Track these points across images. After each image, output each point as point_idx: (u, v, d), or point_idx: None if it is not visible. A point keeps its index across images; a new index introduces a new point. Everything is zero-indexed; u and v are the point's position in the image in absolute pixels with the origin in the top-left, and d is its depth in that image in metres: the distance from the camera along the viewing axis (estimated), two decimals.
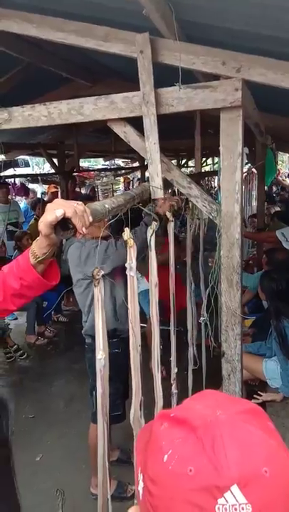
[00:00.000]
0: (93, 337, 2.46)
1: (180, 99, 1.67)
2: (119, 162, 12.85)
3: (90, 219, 1.00)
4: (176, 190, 2.06)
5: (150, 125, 1.71)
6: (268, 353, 2.91)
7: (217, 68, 1.60)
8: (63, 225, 1.01)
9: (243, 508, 0.39)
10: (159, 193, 1.78)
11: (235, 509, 0.39)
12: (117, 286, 2.33)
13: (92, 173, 11.82)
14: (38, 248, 1.01)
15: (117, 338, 2.27)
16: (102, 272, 1.31)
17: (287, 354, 2.69)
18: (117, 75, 3.20)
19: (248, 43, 1.70)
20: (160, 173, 1.76)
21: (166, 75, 1.64)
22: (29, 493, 2.42)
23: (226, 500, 0.39)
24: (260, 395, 2.74)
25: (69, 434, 3.09)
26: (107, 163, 11.88)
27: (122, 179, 11.38)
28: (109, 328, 2.31)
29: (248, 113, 1.96)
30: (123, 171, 10.53)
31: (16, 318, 5.30)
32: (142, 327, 2.46)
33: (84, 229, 0.98)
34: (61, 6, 1.82)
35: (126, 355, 2.11)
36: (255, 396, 2.76)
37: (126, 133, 1.83)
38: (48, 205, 1.00)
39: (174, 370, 2.26)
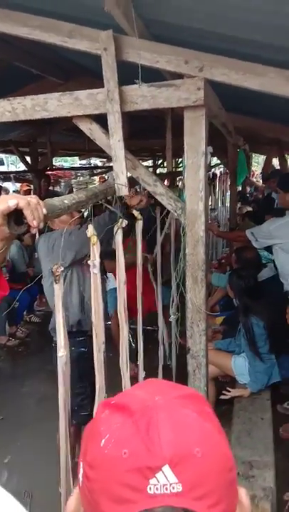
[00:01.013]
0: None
1: (144, 97, 1.68)
2: (97, 161, 12.80)
3: (44, 212, 1.00)
4: (141, 188, 2.06)
5: (114, 122, 1.71)
6: (237, 350, 2.96)
7: (180, 67, 1.62)
8: (17, 219, 1.00)
9: (173, 488, 0.39)
10: (123, 191, 1.78)
11: (166, 488, 0.39)
12: (87, 280, 2.32)
13: (68, 172, 11.72)
14: None
15: (84, 337, 2.26)
16: (62, 269, 1.31)
17: (254, 350, 2.74)
18: (89, 73, 3.19)
19: (212, 42, 1.73)
20: (125, 170, 1.76)
21: (135, 73, 1.65)
22: None
23: (158, 481, 0.40)
24: (229, 391, 2.79)
25: (40, 435, 3.05)
26: (84, 162, 11.82)
27: (97, 178, 11.33)
28: (74, 320, 2.31)
29: (212, 112, 1.98)
30: (99, 170, 10.48)
31: None
32: (106, 325, 2.47)
33: (35, 222, 0.97)
34: (27, 1, 1.81)
35: (93, 356, 2.12)
36: (223, 392, 2.80)
37: (91, 130, 1.83)
38: (1, 197, 0.99)
39: (142, 371, 2.26)
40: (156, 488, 0.39)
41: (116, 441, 0.42)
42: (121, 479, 0.40)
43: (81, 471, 0.45)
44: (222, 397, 2.80)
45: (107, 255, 2.22)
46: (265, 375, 2.75)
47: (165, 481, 0.40)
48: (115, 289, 3.23)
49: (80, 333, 2.28)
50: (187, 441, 0.41)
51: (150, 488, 0.40)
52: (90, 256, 1.60)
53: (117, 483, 0.40)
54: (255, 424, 2.49)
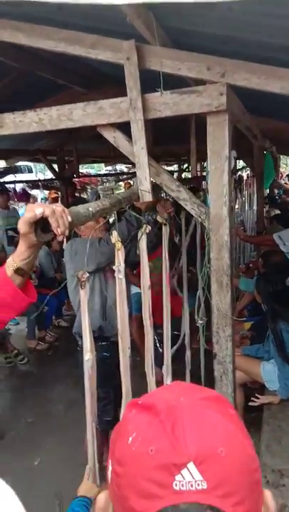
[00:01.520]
0: (81, 336, 2.49)
1: (166, 104, 1.70)
2: (122, 167, 12.93)
3: (69, 219, 1.02)
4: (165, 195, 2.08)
5: (138, 130, 1.73)
6: (266, 356, 2.91)
7: (202, 73, 1.62)
8: (43, 227, 1.03)
9: (198, 485, 0.41)
10: (147, 197, 1.80)
11: (191, 485, 0.41)
12: (110, 286, 2.35)
13: (94, 178, 11.90)
14: (16, 255, 1.03)
15: (107, 342, 2.28)
16: (87, 275, 1.33)
17: (284, 356, 2.68)
18: (112, 82, 3.24)
19: (233, 48, 1.72)
20: (148, 176, 1.78)
21: (159, 80, 1.67)
22: (27, 498, 2.42)
23: (183, 477, 0.41)
24: (258, 398, 2.74)
25: (68, 439, 3.09)
26: (109, 168, 11.97)
27: (123, 184, 11.43)
28: (95, 326, 2.33)
29: (236, 117, 1.97)
30: (124, 176, 10.57)
31: (18, 323, 5.33)
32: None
33: (60, 230, 0.99)
34: (51, 14, 1.86)
35: (116, 361, 2.14)
36: (252, 399, 2.75)
37: (115, 138, 1.86)
38: (28, 205, 1.03)
39: (169, 376, 2.26)
40: (182, 485, 0.41)
41: (143, 439, 0.44)
42: (148, 475, 0.42)
43: (110, 468, 0.47)
44: (251, 403, 2.76)
45: (129, 265, 2.24)
46: None
47: (190, 478, 0.41)
48: (139, 293, 3.26)
49: (101, 339, 2.30)
50: (211, 441, 0.43)
51: (176, 485, 0.41)
52: (114, 262, 1.63)
53: (144, 478, 0.42)
54: (286, 431, 2.44)
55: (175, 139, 5.59)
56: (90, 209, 1.29)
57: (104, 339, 2.26)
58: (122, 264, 1.64)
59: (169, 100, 1.68)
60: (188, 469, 0.41)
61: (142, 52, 1.67)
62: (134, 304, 3.24)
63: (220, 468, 0.42)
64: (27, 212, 0.99)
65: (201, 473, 0.41)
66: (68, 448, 3.00)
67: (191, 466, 0.41)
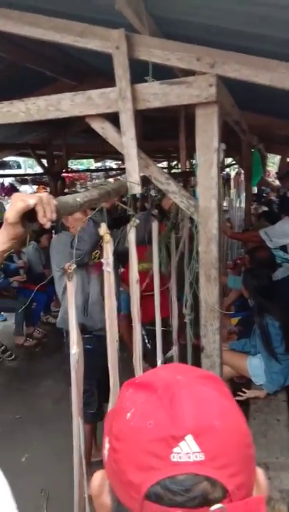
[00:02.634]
0: (66, 330, 2.49)
1: (156, 94, 1.68)
2: (112, 164, 12.86)
3: (53, 209, 1.01)
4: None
5: (127, 120, 1.72)
6: (253, 351, 2.93)
7: (192, 64, 1.61)
8: (29, 216, 1.01)
9: (196, 456, 0.41)
10: (136, 189, 1.78)
11: (189, 457, 0.41)
12: (93, 281, 2.34)
13: (83, 174, 11.82)
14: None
15: (90, 334, 2.27)
16: (74, 266, 1.32)
17: (270, 351, 2.70)
18: (102, 75, 3.21)
19: (223, 38, 1.72)
20: (137, 168, 1.77)
21: (148, 71, 1.65)
22: (15, 494, 2.40)
23: (181, 449, 0.42)
24: (245, 392, 2.75)
25: (56, 435, 3.07)
26: (99, 164, 11.90)
27: (112, 180, 11.40)
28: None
29: (225, 110, 1.97)
30: (114, 172, 10.53)
31: (5, 320, 5.28)
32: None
33: (46, 219, 0.98)
34: (39, 3, 1.83)
35: (100, 353, 2.12)
36: (239, 393, 2.77)
37: (104, 129, 1.84)
38: (15, 195, 1.01)
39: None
40: (180, 457, 0.41)
41: (141, 414, 0.45)
42: (146, 448, 0.42)
43: (107, 446, 0.48)
44: (237, 398, 2.77)
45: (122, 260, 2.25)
46: (281, 376, 2.71)
47: (188, 449, 0.42)
48: (127, 291, 3.26)
49: (84, 332, 2.30)
50: (208, 415, 0.44)
51: (174, 456, 0.41)
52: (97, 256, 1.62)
53: (143, 451, 0.43)
54: (271, 425, 2.46)
55: (164, 135, 5.59)
56: (78, 199, 1.27)
57: (87, 332, 2.25)
58: (111, 257, 1.63)
59: (159, 91, 1.67)
60: (186, 441, 0.42)
61: (131, 41, 1.65)
62: (123, 302, 3.23)
63: (217, 440, 0.43)
64: (18, 202, 0.97)
65: (199, 445, 0.42)
66: (56, 442, 2.98)
67: (188, 438, 0.42)
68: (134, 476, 0.42)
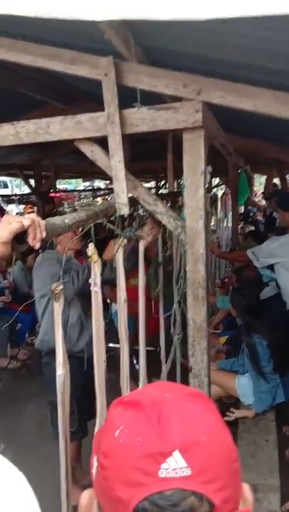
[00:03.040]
0: (46, 352, 2.47)
1: (144, 119, 1.73)
2: (100, 184, 12.97)
3: (43, 230, 1.02)
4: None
5: (115, 144, 1.76)
6: (241, 370, 2.93)
7: (178, 91, 1.67)
8: (18, 237, 1.03)
9: (183, 472, 0.42)
10: (124, 210, 1.81)
11: (176, 472, 0.42)
12: (74, 303, 2.36)
13: (71, 194, 11.88)
14: None
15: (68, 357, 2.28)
16: (61, 287, 1.32)
17: (258, 370, 2.71)
18: (91, 98, 3.28)
19: (208, 66, 1.79)
20: (125, 190, 1.80)
21: (136, 97, 1.70)
22: None
23: (169, 465, 0.43)
24: (233, 412, 2.74)
25: (42, 459, 3.00)
26: (87, 184, 11.99)
27: (100, 200, 11.47)
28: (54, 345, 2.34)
29: (211, 134, 2.03)
30: (102, 192, 10.62)
31: None
32: (114, 348, 2.46)
33: (35, 242, 0.99)
34: (30, 31, 1.89)
35: (80, 374, 2.12)
36: (227, 413, 2.75)
37: (93, 152, 1.88)
38: (4, 217, 1.03)
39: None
40: (168, 472, 0.42)
41: (130, 431, 0.46)
42: (134, 464, 0.43)
43: (95, 464, 0.48)
44: (226, 418, 2.75)
45: (108, 282, 2.26)
46: (269, 396, 2.71)
47: (175, 465, 0.43)
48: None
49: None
50: (195, 431, 0.45)
51: (162, 472, 0.42)
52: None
53: (131, 468, 0.43)
54: (260, 446, 2.45)
55: (153, 156, 5.68)
56: (66, 221, 1.29)
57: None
58: (98, 277, 1.64)
59: (146, 116, 1.72)
60: (173, 457, 0.43)
61: (119, 68, 1.71)
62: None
63: (203, 455, 0.44)
64: (13, 223, 0.99)
65: (186, 460, 0.43)
66: (41, 466, 2.90)
67: (176, 454, 0.43)
68: (123, 493, 0.43)
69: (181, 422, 0.45)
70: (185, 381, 2.88)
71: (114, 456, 0.45)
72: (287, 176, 6.45)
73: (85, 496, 0.49)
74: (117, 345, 2.18)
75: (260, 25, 1.15)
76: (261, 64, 1.67)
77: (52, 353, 1.62)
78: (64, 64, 1.78)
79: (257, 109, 1.58)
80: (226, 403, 3.06)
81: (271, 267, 3.43)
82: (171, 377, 3.09)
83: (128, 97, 1.74)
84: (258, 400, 2.70)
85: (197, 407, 0.48)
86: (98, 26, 1.36)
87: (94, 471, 0.48)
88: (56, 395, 1.42)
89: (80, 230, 1.63)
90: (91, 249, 1.58)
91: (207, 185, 1.89)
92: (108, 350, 3.43)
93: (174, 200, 5.14)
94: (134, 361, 3.90)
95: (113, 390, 1.98)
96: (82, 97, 3.46)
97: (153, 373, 2.58)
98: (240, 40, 1.39)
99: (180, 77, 1.68)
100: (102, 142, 1.87)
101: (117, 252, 1.81)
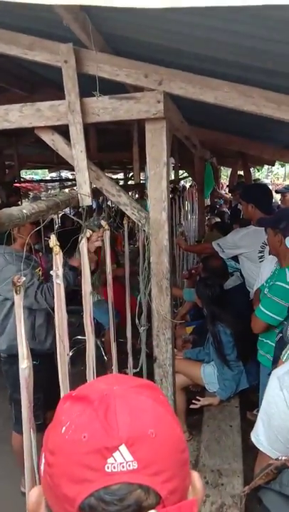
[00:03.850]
0: (13, 354, 2.44)
1: (105, 109, 1.71)
2: (68, 174, 12.75)
3: None
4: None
5: (76, 133, 1.73)
6: (206, 358, 2.99)
7: (140, 80, 1.66)
8: None
9: (129, 465, 0.42)
10: (87, 201, 1.79)
11: (123, 466, 0.42)
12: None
13: (37, 184, 11.61)
14: None
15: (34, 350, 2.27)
16: (23, 279, 1.29)
17: (222, 358, 2.77)
18: (54, 86, 3.21)
19: (170, 57, 1.78)
20: (88, 180, 1.78)
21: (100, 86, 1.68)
22: None
23: (115, 460, 0.42)
24: (199, 400, 2.80)
25: (6, 453, 2.96)
26: (54, 174, 11.76)
27: (67, 191, 11.30)
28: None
29: (174, 125, 2.03)
30: (69, 183, 10.45)
31: None
32: (82, 340, 2.44)
33: None
34: None
35: (46, 368, 2.18)
36: (193, 401, 2.81)
37: (54, 141, 1.84)
38: None
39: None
40: (114, 467, 0.42)
41: (76, 427, 0.45)
42: (81, 461, 0.43)
43: (43, 460, 0.47)
44: (192, 406, 2.81)
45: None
46: (233, 383, 2.78)
47: (122, 459, 0.42)
48: (98, 301, 3.25)
49: (33, 355, 2.27)
50: (142, 423, 0.45)
51: (108, 467, 0.42)
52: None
53: (77, 464, 0.43)
54: (224, 431, 2.51)
55: (120, 147, 5.65)
56: (24, 211, 1.25)
57: (35, 355, 2.21)
58: (60, 269, 1.61)
59: (108, 105, 1.70)
60: (119, 451, 0.42)
61: (79, 56, 1.67)
62: (104, 317, 3.21)
63: (150, 448, 0.43)
64: None
65: (132, 454, 0.42)
66: (6, 460, 2.87)
67: (122, 448, 0.42)
68: (69, 490, 0.42)
69: (128, 415, 0.45)
70: (151, 371, 2.92)
71: (61, 453, 0.44)
72: (250, 169, 6.58)
73: (34, 494, 0.48)
74: (84, 338, 2.18)
75: (223, 18, 1.15)
76: (224, 57, 1.68)
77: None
78: (22, 49, 1.72)
79: (218, 101, 1.60)
80: (193, 391, 3.11)
81: (235, 258, 3.50)
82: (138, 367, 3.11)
83: (91, 86, 1.71)
84: (223, 387, 2.77)
85: (146, 399, 0.48)
86: (56, 12, 1.33)
87: (41, 467, 0.48)
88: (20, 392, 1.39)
89: (42, 221, 1.60)
90: (53, 240, 1.55)
91: (174, 178, 1.89)
92: (78, 342, 3.39)
93: (142, 192, 5.15)
94: (102, 352, 3.91)
95: (82, 382, 1.97)
96: (45, 84, 3.38)
97: (123, 364, 2.58)
98: (203, 32, 1.39)
99: (142, 67, 1.67)
100: (65, 132, 1.83)
101: (81, 243, 1.79)
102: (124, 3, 0.85)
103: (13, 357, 2.36)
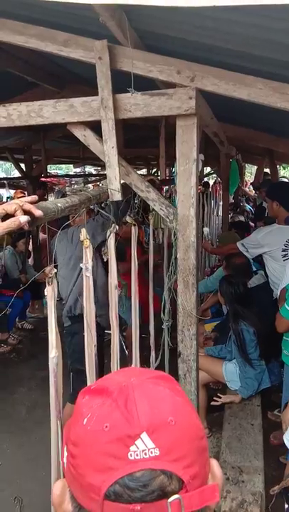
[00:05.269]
0: (74, 317, 2.55)
1: (137, 105, 1.72)
2: (92, 170, 12.85)
3: (38, 211, 1.03)
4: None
5: (108, 129, 1.75)
6: (228, 356, 2.98)
7: (172, 77, 1.66)
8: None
9: (151, 452, 0.43)
10: (117, 196, 1.82)
11: (145, 454, 0.43)
12: (99, 268, 2.44)
13: (62, 179, 11.75)
14: None
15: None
16: (55, 270, 1.33)
17: (245, 356, 2.76)
18: (85, 82, 3.24)
19: (203, 53, 1.78)
20: (118, 176, 1.80)
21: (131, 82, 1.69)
22: None
23: (137, 447, 0.44)
24: (220, 397, 2.80)
25: (30, 442, 3.04)
26: (78, 169, 11.87)
27: (92, 186, 11.39)
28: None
29: (204, 121, 2.03)
30: (93, 178, 10.54)
31: None
32: (108, 334, 2.49)
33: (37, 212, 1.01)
34: (24, 11, 1.85)
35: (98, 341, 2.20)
36: (214, 398, 2.81)
37: (85, 136, 1.86)
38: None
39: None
40: (137, 454, 0.43)
41: (97, 418, 0.46)
42: (104, 450, 0.44)
43: (65, 453, 0.49)
44: (213, 403, 2.81)
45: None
46: (255, 381, 2.77)
47: (144, 447, 0.44)
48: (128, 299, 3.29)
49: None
50: (161, 412, 0.46)
51: (131, 455, 0.43)
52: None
53: (101, 453, 0.44)
54: (246, 430, 2.51)
55: (145, 143, 5.66)
56: (59, 205, 1.29)
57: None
58: (90, 262, 1.65)
59: (140, 101, 1.71)
60: (141, 439, 0.44)
61: (114, 52, 1.69)
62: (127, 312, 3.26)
63: (170, 435, 0.45)
64: (11, 220, 1.00)
65: (154, 441, 0.44)
66: (30, 450, 2.95)
67: (144, 436, 0.44)
68: (94, 479, 0.44)
69: (147, 405, 0.46)
70: (174, 366, 2.94)
71: (84, 443, 0.46)
72: (277, 166, 6.48)
73: (58, 486, 0.50)
74: (109, 331, 2.22)
75: (258, 14, 1.15)
76: (258, 53, 1.67)
77: (80, 320, 1.71)
78: (57, 46, 1.75)
79: (251, 98, 1.59)
80: (214, 389, 3.12)
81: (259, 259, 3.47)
82: (160, 363, 3.14)
83: (122, 82, 1.73)
84: (244, 386, 2.76)
85: (163, 389, 0.49)
86: (93, 9, 1.35)
87: (65, 460, 0.49)
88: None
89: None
90: (84, 234, 1.59)
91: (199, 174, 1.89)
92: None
93: (158, 189, 5.15)
94: (124, 347, 3.95)
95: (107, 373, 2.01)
96: (76, 80, 3.42)
97: (141, 359, 2.61)
98: (238, 28, 1.38)
99: (174, 63, 1.67)
100: (96, 126, 1.86)
101: (109, 238, 1.82)
102: (167, 2, 0.86)
103: (74, 325, 2.48)
